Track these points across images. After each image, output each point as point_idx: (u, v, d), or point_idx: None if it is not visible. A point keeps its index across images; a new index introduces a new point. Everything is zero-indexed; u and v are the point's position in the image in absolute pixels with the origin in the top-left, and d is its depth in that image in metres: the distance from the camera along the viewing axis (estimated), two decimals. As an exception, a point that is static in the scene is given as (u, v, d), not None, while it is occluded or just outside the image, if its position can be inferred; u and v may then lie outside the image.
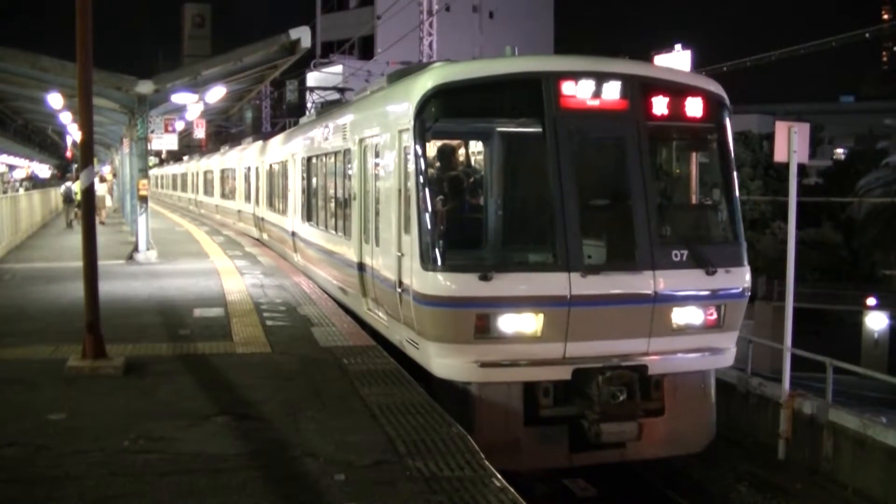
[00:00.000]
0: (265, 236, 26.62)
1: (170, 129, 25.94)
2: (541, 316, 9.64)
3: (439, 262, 9.67)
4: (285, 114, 68.94)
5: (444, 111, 10.16)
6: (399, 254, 10.61)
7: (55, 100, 24.36)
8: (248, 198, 30.26)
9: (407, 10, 38.07)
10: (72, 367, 10.01)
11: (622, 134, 10.31)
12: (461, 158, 12.03)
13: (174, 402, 8.90)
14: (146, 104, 22.03)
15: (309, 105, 23.38)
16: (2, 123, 55.97)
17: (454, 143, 11.67)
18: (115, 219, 38.39)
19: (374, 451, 7.34)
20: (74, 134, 38.20)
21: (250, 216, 29.52)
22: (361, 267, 12.82)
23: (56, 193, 47.62)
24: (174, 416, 8.36)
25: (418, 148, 10.02)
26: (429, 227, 9.82)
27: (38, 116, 41.43)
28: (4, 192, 47.93)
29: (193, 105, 26.03)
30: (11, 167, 77.29)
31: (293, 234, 20.24)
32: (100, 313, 10.47)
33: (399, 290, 10.61)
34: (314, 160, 17.82)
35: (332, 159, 15.63)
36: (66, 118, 32.92)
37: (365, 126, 12.84)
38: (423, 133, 10.07)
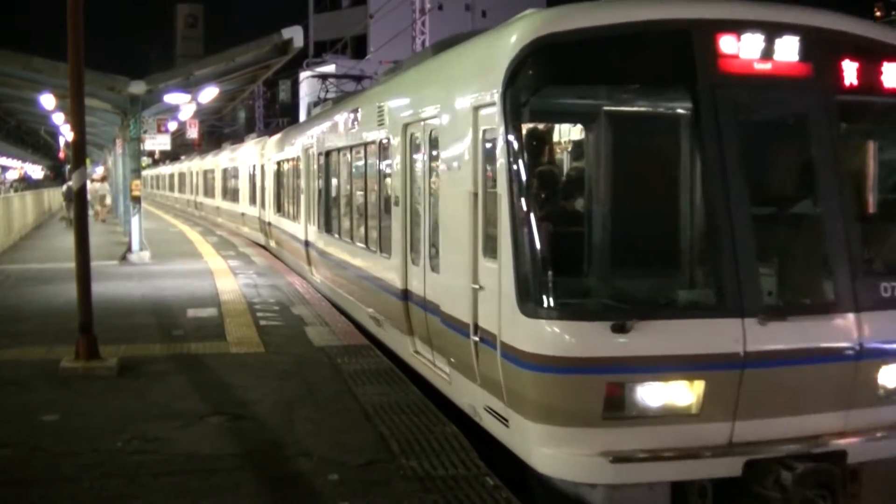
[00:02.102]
0: (273, 244, 24.02)
1: (162, 129, 25.96)
2: (700, 384, 6.53)
3: (550, 304, 6.51)
4: (278, 113, 69.00)
5: (552, 75, 7.05)
6: (475, 286, 7.52)
7: (47, 101, 24.36)
8: (252, 200, 27.80)
9: (399, 10, 38.06)
10: (65, 368, 10.00)
11: (804, 112, 7.22)
12: (567, 149, 9.02)
13: (168, 403, 8.89)
14: (139, 104, 22.04)
15: (319, 96, 20.89)
16: (-6, 124, 55.81)
17: (559, 127, 8.74)
18: (108, 219, 38.34)
19: (368, 451, 7.35)
20: (67, 135, 38.14)
21: (255, 220, 27.15)
22: (406, 295, 9.92)
23: (49, 195, 47.63)
24: (168, 417, 8.36)
25: (511, 132, 6.86)
26: (533, 250, 6.60)
27: (30, 117, 41.35)
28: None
29: (186, 105, 26.03)
30: (4, 168, 77.14)
31: (307, 243, 17.54)
32: (93, 314, 10.47)
33: (475, 337, 7.53)
34: (335, 156, 15.00)
35: (361, 153, 12.87)
36: (58, 119, 32.91)
37: (412, 107, 10.01)
38: (518, 109, 6.92)
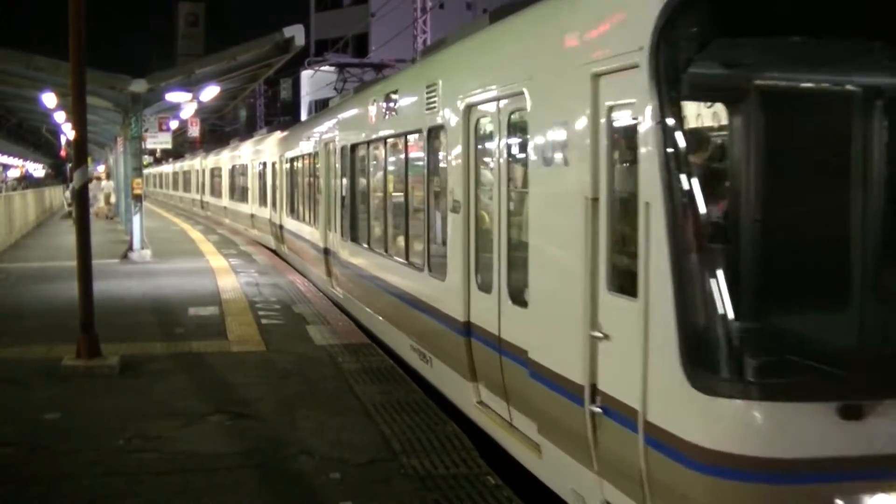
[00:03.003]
0: (285, 249, 21.86)
1: (164, 127, 25.97)
2: None
3: (746, 374, 4.39)
4: (279, 112, 68.98)
5: (731, 21, 4.76)
6: (595, 333, 5.43)
7: (49, 99, 24.37)
8: (262, 200, 25.75)
9: (401, 8, 38.04)
10: (67, 367, 10.01)
11: None
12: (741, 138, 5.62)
13: (169, 401, 8.89)
14: (140, 103, 22.05)
15: (336, 88, 19.00)
16: (-4, 123, 55.89)
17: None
18: (111, 217, 38.39)
19: (370, 450, 7.34)
20: (68, 133, 38.19)
21: (266, 222, 25.17)
22: (469, 330, 7.88)
23: (50, 193, 47.71)
24: (169, 415, 8.35)
25: (668, 108, 4.65)
26: (710, 286, 4.46)
27: (32, 116, 41.39)
28: (-1, 191, 47.91)
29: (187, 104, 26.03)
30: (6, 167, 77.19)
31: (327, 252, 15.52)
32: (94, 312, 10.48)
33: (593, 406, 5.45)
34: (364, 150, 12.88)
35: (400, 146, 10.78)
36: (60, 117, 32.92)
37: (480, 83, 7.61)
38: (679, 73, 4.66)
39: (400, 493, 6.46)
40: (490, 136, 7.52)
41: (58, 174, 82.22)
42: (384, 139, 11.42)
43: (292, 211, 20.60)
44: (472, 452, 7.26)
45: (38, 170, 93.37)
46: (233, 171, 33.50)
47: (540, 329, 6.31)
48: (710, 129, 5.24)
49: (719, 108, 5.07)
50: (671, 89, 4.65)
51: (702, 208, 4.57)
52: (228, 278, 18.11)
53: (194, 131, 43.24)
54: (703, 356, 4.45)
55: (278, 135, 24.41)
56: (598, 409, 5.37)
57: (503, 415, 7.23)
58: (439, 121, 8.70)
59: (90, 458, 7.17)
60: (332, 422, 8.14)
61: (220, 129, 71.52)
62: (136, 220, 22.01)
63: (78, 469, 6.94)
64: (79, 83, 10.55)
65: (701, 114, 5.22)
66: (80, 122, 10.84)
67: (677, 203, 4.58)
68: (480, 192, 7.77)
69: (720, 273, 4.47)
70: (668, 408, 4.67)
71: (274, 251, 23.69)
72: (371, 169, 12.61)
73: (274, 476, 6.83)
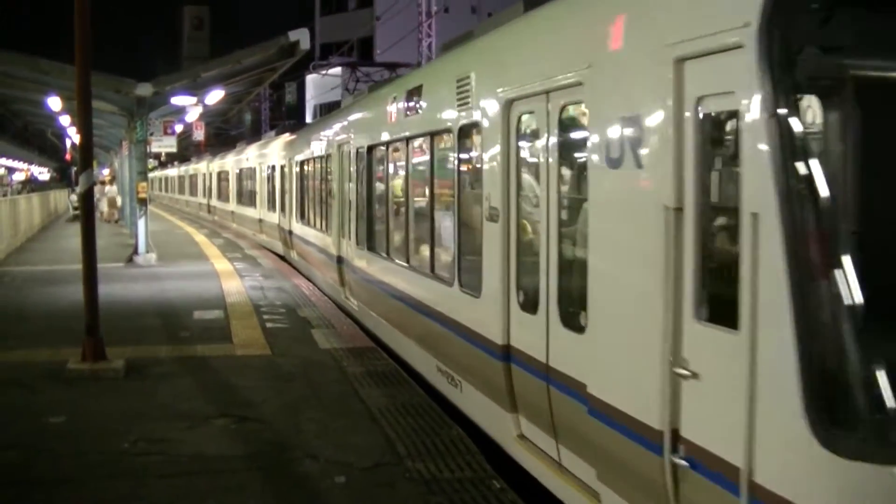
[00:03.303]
0: (295, 255, 21.18)
1: (169, 131, 25.98)
2: None
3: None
4: (284, 116, 69.06)
5: None
6: (680, 371, 4.55)
7: (54, 103, 24.44)
8: (271, 205, 25.17)
9: (406, 12, 38.09)
10: (72, 370, 10.02)
11: None
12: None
13: (174, 404, 8.89)
14: (145, 107, 22.09)
15: (347, 88, 18.32)
16: (1, 126, 56.04)
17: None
18: (116, 220, 38.46)
19: (374, 453, 7.33)
20: (74, 137, 38.33)
21: (274, 228, 24.55)
22: (509, 354, 7.00)
23: (55, 196, 47.88)
24: (174, 418, 8.36)
25: (783, 96, 3.88)
26: (842, 318, 3.66)
27: (37, 119, 41.52)
28: (4, 195, 48.07)
29: (192, 107, 26.06)
30: (11, 170, 77.38)
31: (341, 260, 14.61)
32: (99, 316, 10.49)
33: (675, 458, 4.59)
34: (381, 152, 11.90)
35: (424, 147, 9.80)
36: (65, 121, 33.00)
37: (522, 74, 6.79)
38: (793, 55, 3.90)
39: (405, 496, 6.45)
40: (536, 134, 6.61)
41: (63, 178, 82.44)
42: (406, 140, 10.35)
43: (302, 216, 19.76)
44: (478, 456, 7.24)
45: (43, 173, 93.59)
46: (240, 174, 32.97)
47: (602, 360, 5.42)
48: (830, 123, 4.06)
49: (844, 96, 3.91)
50: (787, 75, 3.81)
51: (831, 219, 3.72)
52: (233, 282, 18.12)
53: (199, 135, 43.23)
54: (835, 406, 3.55)
55: (287, 137, 23.75)
56: (683, 462, 4.51)
57: (550, 452, 6.40)
58: (473, 118, 7.82)
59: (95, 461, 7.18)
60: (337, 425, 8.13)
61: (224, 133, 71.61)
62: (141, 223, 22.04)
63: (83, 472, 6.95)
64: (84, 87, 10.56)
65: (813, 105, 4.05)
66: (85, 125, 10.86)
67: (796, 215, 3.73)
68: (522, 199, 6.89)
69: (855, 299, 3.58)
70: (785, 468, 3.80)
71: (282, 257, 23.14)
72: (391, 172, 11.59)
73: (278, 479, 6.83)
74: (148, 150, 24.13)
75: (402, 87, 10.63)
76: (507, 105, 7.01)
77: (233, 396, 9.23)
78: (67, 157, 66.77)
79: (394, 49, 38.03)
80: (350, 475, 6.83)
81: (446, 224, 8.98)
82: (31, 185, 78.17)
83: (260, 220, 27.58)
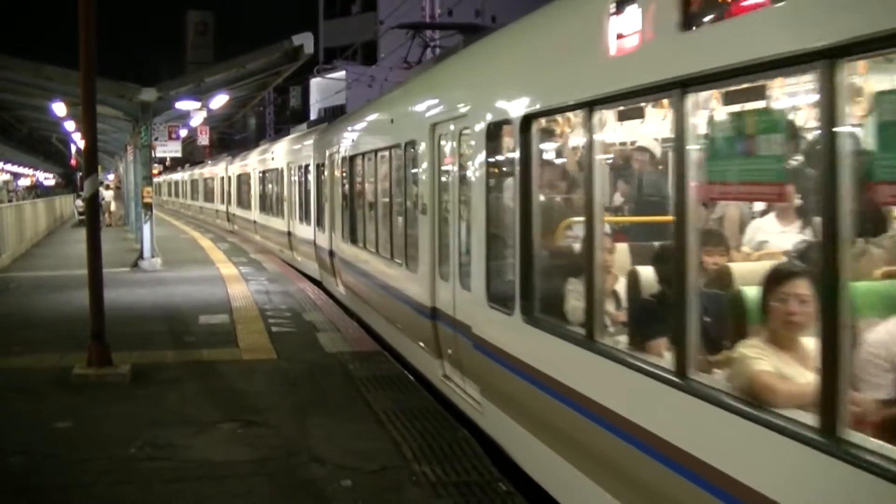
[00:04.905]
0: (341, 288, 15.70)
1: (173, 136, 26.05)
2: None
3: None
4: (289, 120, 69.11)
5: None
6: None
7: (59, 108, 24.47)
8: (305, 216, 20.02)
9: (409, 16, 38.12)
10: (78, 375, 10.02)
11: None
12: None
13: (180, 410, 8.89)
14: (150, 112, 22.11)
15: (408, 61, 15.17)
16: (6, 132, 56.15)
17: None
18: (119, 226, 38.52)
19: (381, 457, 7.32)
20: (79, 142, 38.42)
21: (310, 246, 19.17)
22: None
23: (61, 202, 47.99)
24: (180, 424, 8.35)
25: None
26: None
27: (42, 125, 41.60)
28: (9, 200, 48.19)
29: (197, 112, 26.10)
30: (16, 176, 77.54)
31: (436, 314, 9.04)
32: (105, 321, 10.49)
33: None
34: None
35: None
36: (70, 126, 33.05)
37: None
38: None
39: (412, 500, 6.44)
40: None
41: (68, 183, 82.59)
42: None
43: (352, 235, 14.39)
44: (484, 459, 7.23)
45: (48, 179, 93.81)
46: (264, 177, 27.93)
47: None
48: None
49: None
50: None
51: None
52: (239, 286, 18.13)
53: (204, 139, 43.31)
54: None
55: (324, 129, 18.86)
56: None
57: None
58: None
59: (102, 467, 7.17)
60: (343, 429, 8.12)
61: (229, 138, 71.74)
62: (146, 228, 22.05)
63: (89, 477, 6.94)
64: (89, 92, 10.57)
65: None
66: (90, 131, 10.87)
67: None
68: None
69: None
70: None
71: (318, 282, 18.37)
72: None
73: (285, 484, 6.82)
74: (153, 154, 24.16)
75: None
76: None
77: (239, 401, 9.23)
78: (73, 162, 66.94)
79: (397, 53, 38.01)
80: (356, 479, 6.82)
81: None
82: (37, 190, 78.32)
83: (289, 234, 22.67)
